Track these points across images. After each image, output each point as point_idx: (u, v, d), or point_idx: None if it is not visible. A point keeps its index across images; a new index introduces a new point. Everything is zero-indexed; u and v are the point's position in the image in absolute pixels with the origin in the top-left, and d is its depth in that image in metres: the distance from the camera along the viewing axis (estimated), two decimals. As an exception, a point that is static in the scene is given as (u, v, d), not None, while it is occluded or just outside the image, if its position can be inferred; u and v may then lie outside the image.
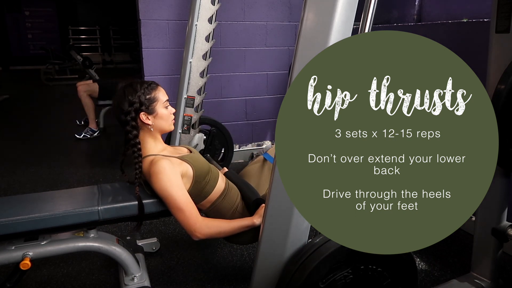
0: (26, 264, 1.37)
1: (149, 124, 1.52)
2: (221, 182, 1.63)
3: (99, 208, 1.43)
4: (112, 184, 1.65)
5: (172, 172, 1.44)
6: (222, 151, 2.93)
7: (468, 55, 2.14)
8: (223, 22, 3.04)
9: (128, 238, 1.94)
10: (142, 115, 1.50)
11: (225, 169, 1.86)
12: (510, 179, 1.52)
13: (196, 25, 2.40)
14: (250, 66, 3.28)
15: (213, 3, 2.42)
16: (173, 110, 1.61)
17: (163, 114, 1.55)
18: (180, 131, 2.54)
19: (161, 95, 1.56)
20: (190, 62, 2.45)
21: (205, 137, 2.72)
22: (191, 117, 2.54)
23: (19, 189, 2.83)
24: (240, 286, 1.75)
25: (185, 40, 2.46)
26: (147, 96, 1.51)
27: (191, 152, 1.67)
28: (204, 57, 2.48)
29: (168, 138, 2.66)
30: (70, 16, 12.05)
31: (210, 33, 2.46)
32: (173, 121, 1.61)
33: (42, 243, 1.44)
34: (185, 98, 2.49)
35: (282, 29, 3.29)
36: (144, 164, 1.51)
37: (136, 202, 1.48)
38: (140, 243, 1.94)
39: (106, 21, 12.16)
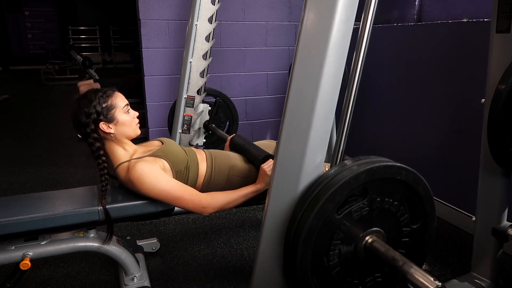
0: (26, 264, 1.38)
1: (111, 133, 1.47)
2: (202, 162, 1.60)
3: (99, 208, 1.43)
4: (112, 184, 1.64)
5: (151, 169, 1.43)
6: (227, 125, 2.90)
7: (468, 55, 2.15)
8: (223, 22, 3.04)
9: (128, 238, 1.94)
10: (102, 125, 1.45)
11: (229, 137, 1.83)
12: (510, 179, 1.52)
13: (196, 25, 2.40)
14: (250, 66, 3.28)
15: (213, 3, 2.42)
16: (136, 113, 1.55)
17: (125, 120, 1.49)
18: (180, 131, 2.53)
19: (119, 100, 1.50)
20: (190, 62, 2.44)
21: (210, 108, 2.68)
22: (191, 117, 2.54)
23: (19, 189, 2.83)
24: (240, 286, 1.75)
25: (185, 40, 2.45)
26: (104, 105, 1.45)
27: (163, 143, 1.62)
28: (204, 57, 2.48)
29: (168, 138, 2.66)
30: (70, 16, 12.05)
31: (210, 33, 2.45)
32: (138, 124, 1.55)
33: (42, 243, 1.44)
34: (185, 98, 2.49)
35: (282, 29, 3.28)
36: (121, 173, 1.49)
37: (136, 202, 1.48)
38: (140, 243, 1.94)
39: (106, 21, 12.16)
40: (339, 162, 1.10)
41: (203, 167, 1.60)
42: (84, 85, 4.23)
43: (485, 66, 1.44)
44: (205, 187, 1.59)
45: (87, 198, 1.51)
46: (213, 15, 2.44)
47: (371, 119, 2.90)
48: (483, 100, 1.45)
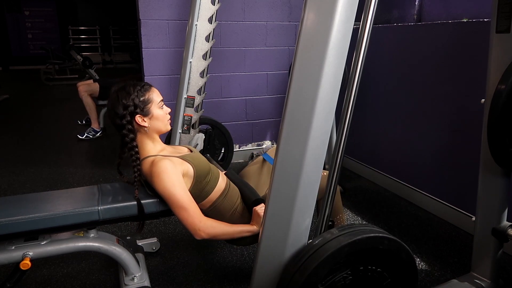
0: (26, 264, 1.37)
1: (145, 126, 1.51)
2: (222, 182, 1.63)
3: (99, 208, 1.43)
4: (112, 184, 1.65)
5: (173, 171, 1.44)
6: (222, 151, 2.92)
7: (468, 55, 2.15)
8: (223, 22, 3.04)
9: (128, 238, 1.94)
10: (138, 118, 1.49)
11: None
12: (510, 179, 1.52)
13: (196, 25, 2.40)
14: (250, 66, 3.28)
15: (213, 3, 2.42)
16: (168, 110, 1.59)
17: (159, 115, 1.54)
18: (180, 131, 2.54)
19: (155, 96, 1.54)
20: (190, 62, 2.44)
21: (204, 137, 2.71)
22: (191, 117, 2.54)
23: (19, 189, 2.83)
24: (240, 286, 1.75)
25: (185, 40, 2.45)
26: (141, 98, 1.49)
27: (191, 151, 1.67)
28: (204, 57, 2.48)
29: (168, 138, 2.66)
30: (70, 16, 12.05)
31: (210, 33, 2.45)
32: (169, 121, 1.60)
33: (42, 243, 1.44)
34: (185, 98, 2.49)
35: (282, 29, 3.29)
36: (145, 166, 1.51)
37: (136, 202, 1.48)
38: (140, 243, 1.94)
39: (106, 21, 12.16)
40: (325, 227, 1.13)
41: (221, 186, 1.61)
42: (84, 85, 4.23)
43: (485, 66, 1.44)
44: (211, 209, 1.59)
45: (87, 198, 1.51)
46: (213, 15, 2.44)
47: (371, 119, 2.90)
48: (483, 100, 1.45)
